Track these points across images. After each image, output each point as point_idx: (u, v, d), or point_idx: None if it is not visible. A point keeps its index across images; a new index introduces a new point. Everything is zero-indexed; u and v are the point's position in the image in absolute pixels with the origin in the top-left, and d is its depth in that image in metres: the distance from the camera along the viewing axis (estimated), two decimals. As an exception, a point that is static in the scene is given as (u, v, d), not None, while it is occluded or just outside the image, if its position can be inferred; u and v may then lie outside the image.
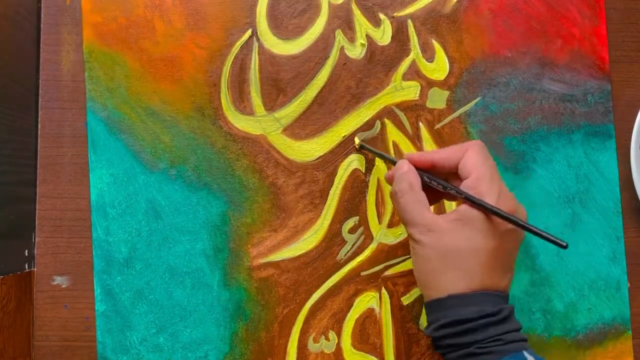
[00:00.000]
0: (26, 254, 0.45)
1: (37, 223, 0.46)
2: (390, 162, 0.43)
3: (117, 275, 0.45)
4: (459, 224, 0.36)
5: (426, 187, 0.39)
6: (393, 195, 0.39)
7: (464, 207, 0.36)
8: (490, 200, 0.35)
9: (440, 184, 0.38)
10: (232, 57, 0.46)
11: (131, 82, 0.46)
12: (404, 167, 0.39)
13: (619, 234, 0.46)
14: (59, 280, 0.46)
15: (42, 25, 0.47)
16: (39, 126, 0.46)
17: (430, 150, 0.41)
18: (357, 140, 0.46)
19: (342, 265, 0.46)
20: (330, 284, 0.46)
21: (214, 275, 0.45)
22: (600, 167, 0.47)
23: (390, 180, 0.41)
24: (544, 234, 0.34)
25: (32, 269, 0.46)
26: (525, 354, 0.34)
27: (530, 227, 0.34)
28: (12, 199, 0.44)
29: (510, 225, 0.35)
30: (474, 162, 0.37)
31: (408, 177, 0.38)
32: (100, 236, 0.45)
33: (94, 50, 0.46)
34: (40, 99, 0.46)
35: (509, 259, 0.37)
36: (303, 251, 0.46)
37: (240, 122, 0.46)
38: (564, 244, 0.33)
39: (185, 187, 0.46)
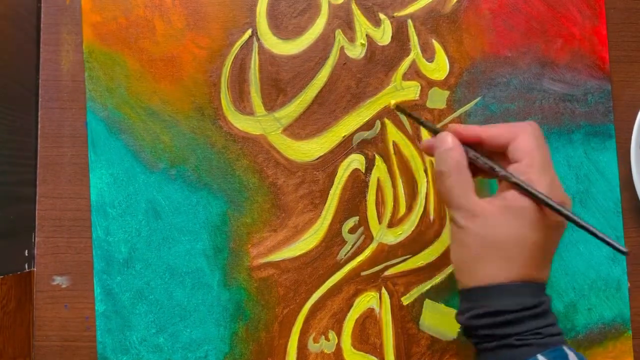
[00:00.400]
0: (26, 254, 0.45)
1: (37, 223, 0.46)
2: (430, 131, 0.40)
3: (117, 275, 0.45)
4: (507, 211, 0.34)
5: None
6: (438, 176, 0.36)
7: (514, 195, 0.34)
8: (541, 190, 0.33)
9: (487, 164, 0.35)
10: (232, 57, 0.46)
11: (131, 82, 0.46)
12: (449, 142, 0.36)
13: (619, 234, 0.46)
14: (59, 280, 0.46)
15: (42, 25, 0.47)
16: (39, 126, 0.46)
17: (477, 126, 0.37)
18: (392, 102, 0.43)
19: (342, 265, 0.46)
20: (330, 284, 0.45)
21: (214, 275, 0.45)
22: (600, 167, 0.47)
23: (428, 150, 0.38)
24: (603, 236, 0.32)
25: (32, 269, 0.46)
26: (565, 348, 0.33)
27: (589, 226, 0.33)
28: (12, 199, 0.44)
29: (559, 218, 0.34)
30: (527, 147, 0.35)
31: (455, 155, 0.35)
32: (100, 236, 0.45)
33: (94, 50, 0.46)
34: (40, 99, 0.46)
35: (551, 250, 0.36)
36: (303, 251, 0.46)
37: (240, 122, 0.46)
38: (625, 250, 0.31)
39: (185, 187, 0.46)
